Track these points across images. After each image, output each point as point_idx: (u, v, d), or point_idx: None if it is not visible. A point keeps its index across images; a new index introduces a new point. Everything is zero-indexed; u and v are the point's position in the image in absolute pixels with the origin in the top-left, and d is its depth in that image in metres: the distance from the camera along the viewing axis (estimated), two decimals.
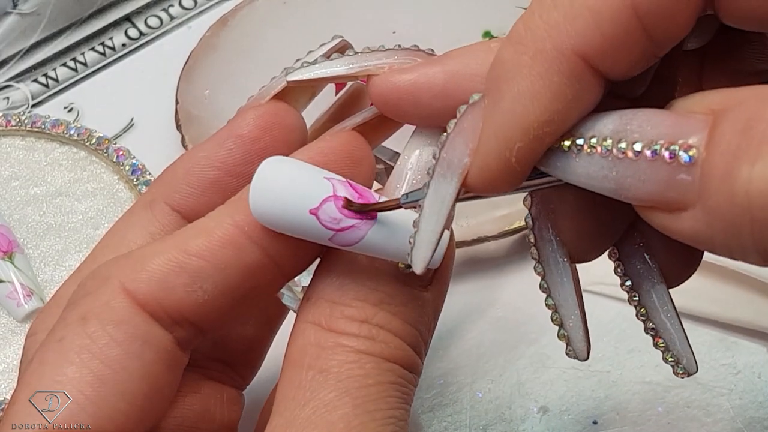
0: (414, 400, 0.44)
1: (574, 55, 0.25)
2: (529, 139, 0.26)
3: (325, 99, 0.37)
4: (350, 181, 0.29)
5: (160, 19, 0.67)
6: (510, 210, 0.53)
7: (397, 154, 0.37)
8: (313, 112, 0.37)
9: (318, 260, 0.32)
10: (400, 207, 0.29)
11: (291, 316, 0.36)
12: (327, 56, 0.33)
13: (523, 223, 0.52)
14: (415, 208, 0.28)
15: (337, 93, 0.37)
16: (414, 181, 0.30)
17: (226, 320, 0.31)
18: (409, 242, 0.27)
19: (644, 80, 0.28)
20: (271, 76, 0.35)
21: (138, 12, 0.67)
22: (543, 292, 0.32)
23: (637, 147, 0.24)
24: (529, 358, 0.50)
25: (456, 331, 0.51)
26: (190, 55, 0.61)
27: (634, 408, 0.48)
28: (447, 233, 0.29)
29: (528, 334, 0.51)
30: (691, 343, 0.32)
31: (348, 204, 0.28)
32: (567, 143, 0.26)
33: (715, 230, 0.23)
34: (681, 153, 0.23)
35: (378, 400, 0.29)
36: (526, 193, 0.31)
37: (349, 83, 0.37)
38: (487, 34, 0.61)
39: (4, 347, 0.51)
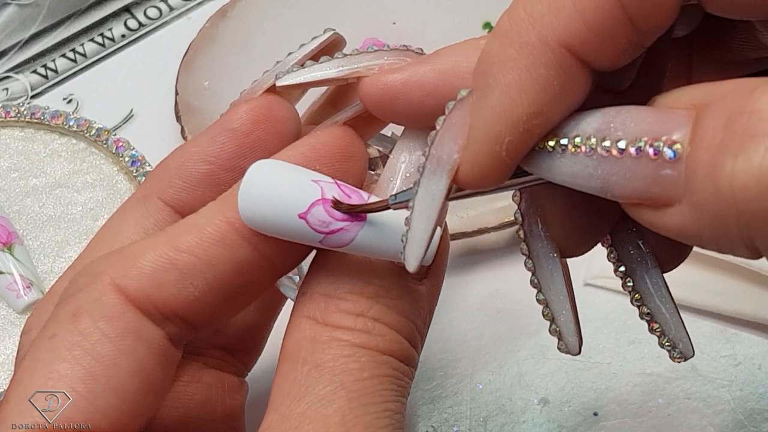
0: (414, 392, 0.44)
1: (560, 46, 0.25)
2: (518, 133, 0.25)
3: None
4: (339, 182, 0.29)
5: (160, 10, 0.67)
6: (510, 201, 0.52)
7: (394, 141, 0.36)
8: (310, 95, 0.37)
9: (314, 252, 0.31)
10: (388, 208, 0.28)
11: (290, 303, 0.36)
12: (319, 49, 0.33)
13: None
14: (404, 208, 0.28)
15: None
16: (407, 174, 0.30)
17: (218, 316, 0.31)
18: (402, 241, 0.27)
19: (631, 72, 0.28)
20: (268, 69, 0.34)
21: (137, 3, 0.67)
22: (534, 287, 0.32)
23: (621, 145, 0.24)
24: (530, 350, 0.50)
25: (456, 323, 0.51)
26: (189, 46, 0.61)
27: (634, 399, 0.48)
28: (439, 229, 0.29)
29: (528, 326, 0.51)
30: (687, 329, 0.31)
31: (336, 205, 0.28)
32: (551, 143, 0.26)
33: (701, 225, 0.23)
34: (665, 149, 0.23)
35: (373, 393, 0.29)
36: (514, 190, 0.31)
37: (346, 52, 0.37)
38: (487, 25, 0.60)
39: (3, 339, 0.51)
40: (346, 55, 0.32)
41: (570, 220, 0.31)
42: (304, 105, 0.37)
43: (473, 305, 0.52)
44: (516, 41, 0.25)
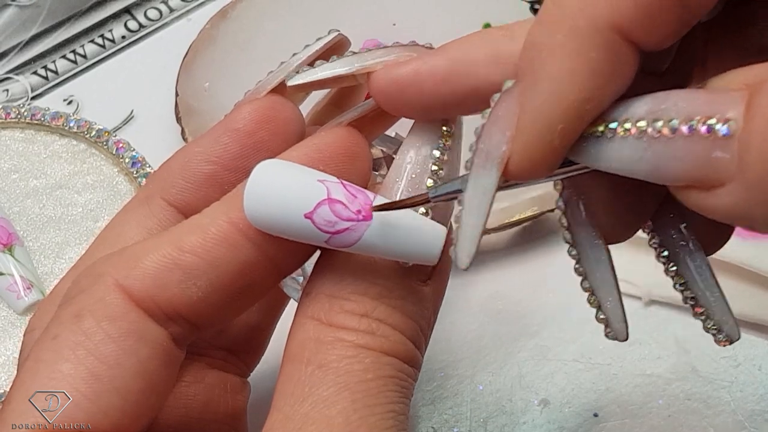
0: (415, 393, 0.44)
1: (609, 28, 0.25)
2: (570, 119, 0.25)
3: None
4: (345, 182, 0.29)
5: (160, 12, 0.67)
6: (510, 203, 0.53)
7: (398, 142, 0.36)
8: (314, 97, 0.37)
9: (318, 253, 0.31)
10: (429, 202, 0.28)
11: (294, 303, 0.36)
12: (324, 50, 0.33)
13: (523, 215, 0.52)
14: (446, 201, 0.28)
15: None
16: (413, 175, 0.30)
17: (221, 316, 0.31)
18: (452, 233, 0.27)
19: (670, 52, 0.28)
20: (271, 69, 0.34)
21: (138, 4, 0.67)
22: (578, 275, 0.31)
23: (674, 124, 0.23)
24: (530, 351, 0.50)
25: (457, 324, 0.51)
26: (189, 47, 0.61)
27: (634, 401, 0.48)
28: (445, 228, 0.29)
29: (529, 327, 0.51)
30: (732, 311, 0.31)
31: (377, 207, 0.28)
32: (600, 128, 0.25)
33: (753, 204, 0.23)
34: (718, 126, 0.23)
35: (377, 394, 0.29)
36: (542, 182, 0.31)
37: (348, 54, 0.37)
38: (487, 26, 0.60)
39: (4, 340, 0.51)
40: (355, 53, 0.32)
41: (613, 206, 0.30)
42: (307, 106, 0.37)
43: (474, 306, 0.52)
44: (564, 26, 0.25)
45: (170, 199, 0.34)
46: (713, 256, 0.32)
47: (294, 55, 0.34)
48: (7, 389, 0.48)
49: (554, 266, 0.53)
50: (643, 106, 0.25)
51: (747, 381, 0.48)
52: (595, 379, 0.49)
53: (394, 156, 0.31)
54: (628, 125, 0.25)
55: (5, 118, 0.59)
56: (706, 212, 0.24)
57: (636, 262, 0.50)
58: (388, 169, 0.32)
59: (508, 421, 0.48)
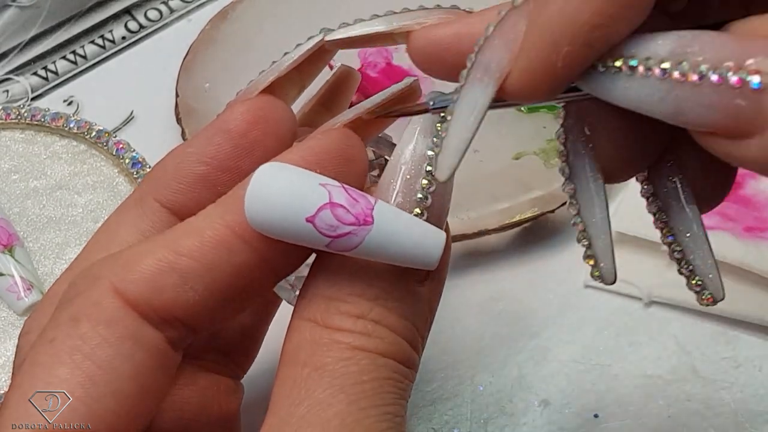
0: (414, 394, 0.44)
1: None
2: (578, 44, 0.25)
3: (313, 82, 0.37)
4: (346, 186, 0.29)
5: (160, 12, 0.67)
6: (511, 203, 0.53)
7: (390, 144, 0.36)
8: (302, 95, 0.37)
9: (314, 255, 0.31)
10: (427, 111, 0.28)
11: (286, 305, 0.36)
12: (315, 49, 0.33)
13: (523, 216, 0.52)
14: (443, 112, 0.27)
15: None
16: (408, 176, 0.30)
17: (218, 320, 0.31)
18: (433, 147, 0.26)
19: None
20: (264, 69, 0.34)
21: (138, 5, 0.67)
22: (572, 210, 0.30)
23: (702, 69, 0.23)
24: (530, 352, 0.50)
25: (457, 325, 0.51)
26: (190, 48, 0.61)
27: (635, 401, 0.48)
28: (444, 234, 0.29)
29: (529, 328, 0.51)
30: (719, 269, 0.30)
31: (370, 113, 0.28)
32: (618, 63, 0.25)
33: None
34: (750, 77, 0.22)
35: (373, 396, 0.29)
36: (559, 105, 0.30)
37: (337, 66, 0.37)
38: None
39: (4, 340, 0.51)
40: (395, 12, 0.32)
41: (617, 142, 0.30)
42: (297, 104, 0.37)
43: (474, 307, 0.52)
44: None
45: (163, 200, 0.34)
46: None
47: (285, 54, 0.34)
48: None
49: (554, 267, 0.53)
50: (666, 44, 0.24)
51: (747, 382, 0.48)
52: (595, 379, 0.49)
53: (388, 158, 0.31)
54: (650, 63, 0.24)
55: (5, 119, 0.59)
56: (732, 160, 0.24)
57: (637, 263, 0.51)
58: (380, 171, 0.32)
59: (509, 422, 0.48)
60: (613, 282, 0.30)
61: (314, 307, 0.30)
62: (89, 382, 0.28)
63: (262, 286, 0.31)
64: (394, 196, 0.30)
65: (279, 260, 0.30)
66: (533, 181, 0.54)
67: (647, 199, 0.31)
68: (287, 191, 0.28)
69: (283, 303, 0.40)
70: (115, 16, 0.66)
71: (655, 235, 0.32)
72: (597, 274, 0.30)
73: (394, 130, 0.35)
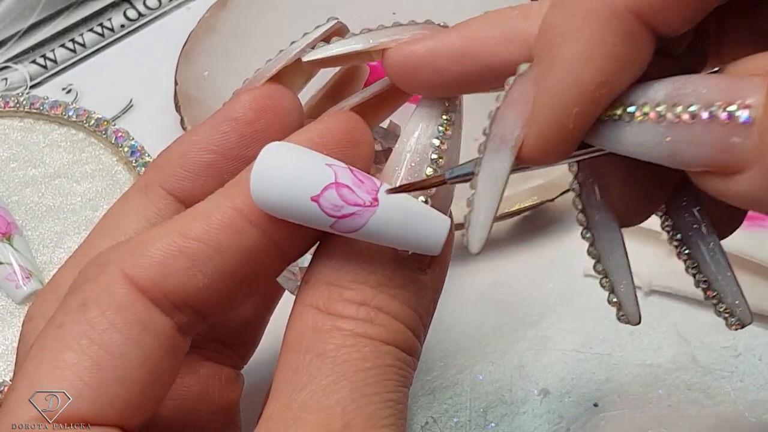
0: (414, 382, 0.44)
1: (627, 12, 0.25)
2: (586, 103, 0.25)
3: (320, 75, 0.37)
4: (352, 168, 0.29)
5: (159, 0, 0.66)
6: (510, 192, 0.53)
7: (394, 134, 0.36)
8: (309, 89, 0.37)
9: (317, 243, 0.31)
10: (445, 183, 0.28)
11: (289, 296, 0.36)
12: (323, 39, 0.33)
13: (523, 205, 0.52)
14: (462, 183, 0.28)
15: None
16: (413, 164, 0.30)
17: (226, 305, 0.31)
18: (459, 219, 0.27)
19: (687, 36, 0.28)
20: (270, 58, 0.34)
21: None
22: (592, 258, 0.31)
23: (693, 109, 0.23)
24: (530, 341, 0.50)
25: (457, 314, 0.51)
26: (189, 36, 0.61)
27: (634, 390, 0.48)
28: (449, 219, 0.29)
29: (529, 317, 0.51)
30: (744, 295, 0.31)
31: (390, 190, 0.28)
32: (618, 112, 0.25)
33: None
34: (739, 112, 0.23)
35: (376, 383, 0.29)
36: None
37: None
38: None
39: (3, 329, 0.51)
40: (370, 29, 0.32)
41: (629, 189, 0.30)
42: (303, 98, 0.37)
43: (473, 296, 0.52)
44: (581, 9, 0.25)
45: (169, 187, 0.34)
46: None
47: (293, 43, 0.33)
48: (6, 378, 0.49)
49: (555, 256, 0.53)
50: (661, 90, 0.25)
51: (747, 371, 0.48)
52: (595, 369, 0.49)
53: (393, 147, 0.31)
54: (647, 109, 0.25)
55: (4, 107, 0.58)
56: (725, 197, 0.24)
57: (636, 252, 0.50)
58: (384, 159, 0.32)
59: (508, 410, 0.48)
60: (638, 323, 0.31)
61: (317, 293, 0.30)
62: (96, 368, 0.28)
63: (270, 269, 0.31)
64: (398, 183, 0.30)
65: (287, 242, 0.30)
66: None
67: (668, 233, 0.31)
68: (293, 170, 0.28)
69: (284, 294, 0.40)
70: (114, 4, 0.66)
71: (655, 224, 0.32)
72: (623, 318, 0.31)
73: (399, 120, 0.35)
